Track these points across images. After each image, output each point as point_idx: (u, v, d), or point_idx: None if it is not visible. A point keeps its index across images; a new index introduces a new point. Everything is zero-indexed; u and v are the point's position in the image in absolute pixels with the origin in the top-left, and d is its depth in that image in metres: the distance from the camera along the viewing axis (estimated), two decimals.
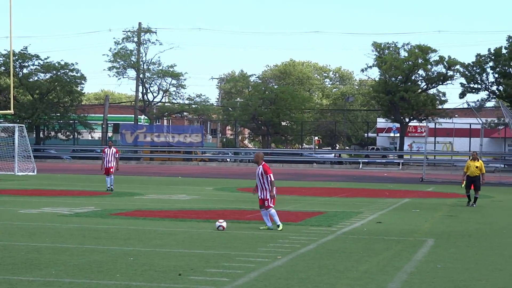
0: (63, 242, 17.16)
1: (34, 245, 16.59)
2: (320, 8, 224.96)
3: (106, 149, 35.72)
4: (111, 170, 34.82)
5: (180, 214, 24.24)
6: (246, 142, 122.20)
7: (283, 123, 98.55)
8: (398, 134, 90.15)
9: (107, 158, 34.97)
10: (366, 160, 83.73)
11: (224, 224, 19.69)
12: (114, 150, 35.58)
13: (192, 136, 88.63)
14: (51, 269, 13.43)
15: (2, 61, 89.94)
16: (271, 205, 19.68)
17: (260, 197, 19.84)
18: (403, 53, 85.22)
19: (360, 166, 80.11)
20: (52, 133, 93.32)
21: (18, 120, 77.68)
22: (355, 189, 41.56)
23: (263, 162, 19.97)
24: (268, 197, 19.64)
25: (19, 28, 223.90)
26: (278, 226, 19.78)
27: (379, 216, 24.94)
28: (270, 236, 18.58)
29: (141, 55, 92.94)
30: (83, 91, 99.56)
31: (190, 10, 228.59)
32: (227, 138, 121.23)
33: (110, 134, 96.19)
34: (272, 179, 19.71)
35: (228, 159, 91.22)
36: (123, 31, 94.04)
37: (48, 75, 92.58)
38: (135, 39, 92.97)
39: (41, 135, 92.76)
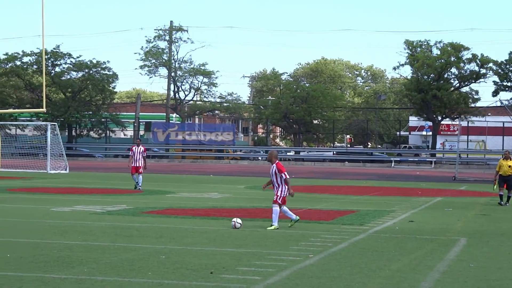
0: (95, 240, 17.24)
1: (66, 243, 16.67)
2: (351, 6, 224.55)
3: (134, 147, 35.67)
4: (140, 169, 34.80)
5: (211, 212, 24.28)
6: (277, 140, 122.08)
7: (315, 122, 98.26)
8: (430, 133, 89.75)
9: (135, 157, 34.92)
10: (399, 159, 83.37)
11: (239, 221, 19.77)
12: (142, 148, 35.51)
13: (224, 135, 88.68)
14: (83, 267, 13.49)
15: (34, 60, 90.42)
16: (279, 201, 19.70)
17: (277, 195, 19.82)
18: (436, 51, 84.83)
19: (392, 165, 79.79)
20: (84, 132, 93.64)
21: (50, 119, 78.00)
22: (387, 188, 41.43)
23: (277, 161, 20.02)
24: (283, 194, 19.70)
25: (51, 27, 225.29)
26: (272, 225, 19.72)
27: (411, 215, 24.84)
28: (301, 235, 18.55)
29: (172, 53, 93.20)
30: (115, 90, 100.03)
31: (221, 8, 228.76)
32: (259, 136, 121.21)
33: (142, 133, 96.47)
34: (287, 176, 19.79)
35: (259, 158, 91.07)
36: (154, 30, 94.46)
37: (80, 74, 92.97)
38: (167, 38, 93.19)
39: (73, 133, 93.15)
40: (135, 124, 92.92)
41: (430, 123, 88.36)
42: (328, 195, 34.97)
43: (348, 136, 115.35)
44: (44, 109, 53.33)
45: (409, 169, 74.74)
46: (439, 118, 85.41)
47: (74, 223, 20.57)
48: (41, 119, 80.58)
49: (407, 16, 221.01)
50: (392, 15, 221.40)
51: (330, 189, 39.64)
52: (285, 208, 19.91)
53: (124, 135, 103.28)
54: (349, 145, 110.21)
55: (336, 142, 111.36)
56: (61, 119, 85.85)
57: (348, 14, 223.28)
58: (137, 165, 34.78)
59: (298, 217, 20.09)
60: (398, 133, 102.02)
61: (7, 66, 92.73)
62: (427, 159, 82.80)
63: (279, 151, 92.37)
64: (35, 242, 16.70)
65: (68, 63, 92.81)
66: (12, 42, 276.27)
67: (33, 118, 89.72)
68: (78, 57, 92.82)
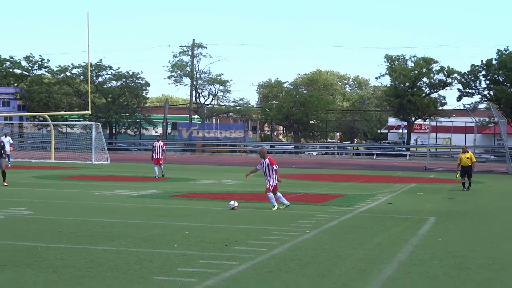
0: (131, 218, 17.27)
1: (108, 220, 16.71)
2: (342, 26, 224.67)
3: (154, 143, 35.46)
4: (160, 161, 34.71)
5: (226, 196, 24.29)
6: (280, 137, 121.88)
7: (311, 122, 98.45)
8: (406, 131, 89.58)
9: (156, 151, 34.81)
10: (379, 152, 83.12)
11: (236, 204, 19.88)
12: (161, 143, 35.38)
13: (236, 132, 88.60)
14: (121, 240, 13.52)
15: (82, 71, 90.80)
16: (271, 189, 19.82)
17: (269, 184, 19.89)
18: (410, 64, 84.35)
19: (374, 157, 79.60)
20: (122, 130, 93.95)
21: (94, 119, 78.22)
22: (370, 176, 41.36)
23: (268, 156, 20.20)
24: (274, 183, 19.77)
25: (96, 44, 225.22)
26: (274, 206, 19.78)
27: (390, 198, 24.81)
28: (300, 215, 18.55)
29: (194, 66, 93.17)
30: (147, 95, 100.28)
31: (235, 28, 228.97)
32: (265, 133, 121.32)
33: (169, 131, 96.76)
34: (277, 168, 20.02)
35: None
36: (179, 46, 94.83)
37: (119, 82, 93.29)
38: (189, 53, 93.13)
39: (113, 131, 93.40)
40: (164, 124, 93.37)
41: (405, 123, 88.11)
42: (322, 181, 34.94)
43: (338, 133, 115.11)
44: (89, 112, 53.58)
45: (388, 160, 74.55)
46: (413, 118, 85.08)
47: (114, 205, 20.63)
48: (87, 119, 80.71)
49: (388, 34, 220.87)
50: (375, 34, 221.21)
51: (324, 176, 39.59)
52: (279, 194, 20.01)
53: (155, 132, 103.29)
54: (339, 141, 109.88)
55: (328, 139, 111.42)
56: (103, 120, 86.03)
57: (340, 33, 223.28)
58: (158, 157, 34.70)
59: (289, 203, 20.12)
60: (379, 131, 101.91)
61: (60, 77, 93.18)
62: (403, 153, 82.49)
63: (281, 146, 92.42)
64: (82, 220, 16.75)
65: (109, 74, 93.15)
66: (64, 57, 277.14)
67: (80, 119, 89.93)
68: (117, 69, 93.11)
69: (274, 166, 19.89)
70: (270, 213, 18.92)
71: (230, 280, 10.04)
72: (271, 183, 19.84)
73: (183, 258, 11.75)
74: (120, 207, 19.94)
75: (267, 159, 20.03)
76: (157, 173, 34.57)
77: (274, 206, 19.70)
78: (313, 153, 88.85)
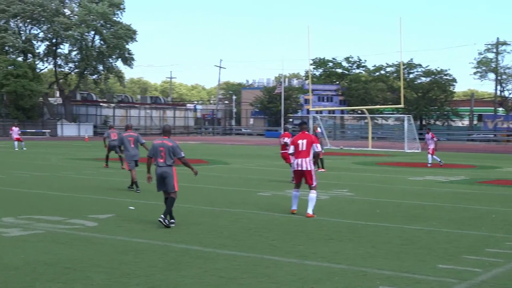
0: (441, 202, 16.91)
1: (419, 203, 16.48)
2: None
3: (426, 135, 33.52)
4: (429, 151, 32.44)
5: None
6: None
7: None
8: None
9: (428, 142, 32.70)
10: None
11: None
12: (431, 135, 33.01)
13: None
14: (432, 221, 13.30)
15: (394, 69, 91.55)
16: None
17: None
18: None
19: None
20: (431, 121, 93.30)
21: (406, 112, 78.21)
22: None
23: None
24: None
25: (407, 44, 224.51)
26: None
27: None
28: None
29: (498, 62, 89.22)
30: (454, 90, 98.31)
31: None
32: None
33: (475, 122, 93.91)
34: None
35: None
36: (484, 44, 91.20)
37: (428, 79, 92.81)
38: (494, 50, 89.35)
39: (423, 123, 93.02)
40: (470, 116, 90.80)
41: None
42: None
43: None
44: (402, 105, 53.93)
45: None
46: None
47: (425, 189, 20.36)
48: (399, 112, 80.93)
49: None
50: None
51: None
52: None
53: (462, 124, 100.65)
54: None
55: None
56: (414, 113, 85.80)
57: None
58: (429, 147, 32.58)
59: None
60: None
61: (375, 75, 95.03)
62: None
63: None
64: (396, 202, 16.73)
65: (419, 71, 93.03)
66: (378, 57, 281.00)
67: (393, 112, 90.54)
68: (426, 66, 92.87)
69: None
70: None
71: None
72: None
73: (490, 240, 11.25)
74: (430, 191, 19.59)
75: None
76: (429, 162, 32.56)
77: None
78: None
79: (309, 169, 13.63)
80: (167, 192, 12.20)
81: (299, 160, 13.67)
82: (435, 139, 32.71)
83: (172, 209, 12.19)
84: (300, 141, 13.78)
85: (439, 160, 32.54)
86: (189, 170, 12.68)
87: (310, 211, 13.49)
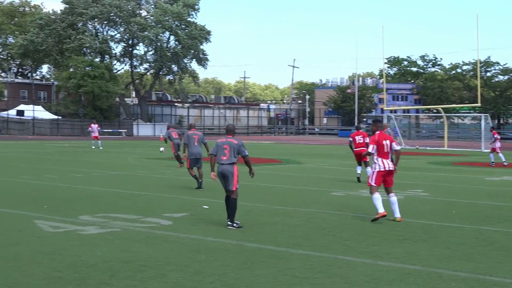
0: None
1: (496, 204, 16.14)
2: None
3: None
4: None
5: None
6: None
7: None
8: None
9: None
10: None
11: None
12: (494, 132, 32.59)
13: None
14: (510, 222, 12.96)
15: (471, 68, 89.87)
16: None
17: None
18: None
19: None
20: (509, 120, 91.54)
21: (483, 111, 76.66)
22: None
23: None
24: None
25: (484, 42, 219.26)
26: None
27: None
28: None
29: None
30: None
31: None
32: None
33: None
34: None
35: None
36: None
37: (506, 77, 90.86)
38: None
39: (501, 122, 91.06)
40: None
41: None
42: None
43: None
44: (479, 104, 52.82)
45: None
46: None
47: (501, 190, 19.84)
48: (476, 111, 79.26)
49: None
50: None
51: None
52: None
53: None
54: None
55: None
56: (491, 111, 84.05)
57: None
58: (497, 145, 32.16)
59: None
60: None
61: (451, 73, 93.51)
62: None
63: None
64: (472, 202, 16.39)
65: (496, 69, 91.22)
66: (454, 55, 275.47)
67: (470, 111, 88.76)
68: (504, 64, 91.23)
69: None
70: None
71: None
72: None
73: None
74: (507, 192, 19.10)
75: None
76: (492, 160, 32.24)
77: None
78: None
79: (392, 169, 13.41)
80: (227, 190, 12.29)
81: (386, 160, 13.39)
82: (496, 136, 32.33)
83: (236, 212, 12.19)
84: (384, 142, 13.52)
85: (503, 159, 32.16)
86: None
87: (399, 214, 13.16)
